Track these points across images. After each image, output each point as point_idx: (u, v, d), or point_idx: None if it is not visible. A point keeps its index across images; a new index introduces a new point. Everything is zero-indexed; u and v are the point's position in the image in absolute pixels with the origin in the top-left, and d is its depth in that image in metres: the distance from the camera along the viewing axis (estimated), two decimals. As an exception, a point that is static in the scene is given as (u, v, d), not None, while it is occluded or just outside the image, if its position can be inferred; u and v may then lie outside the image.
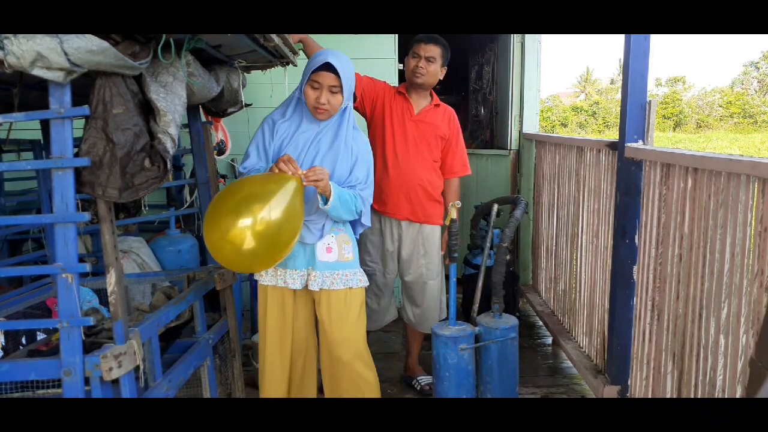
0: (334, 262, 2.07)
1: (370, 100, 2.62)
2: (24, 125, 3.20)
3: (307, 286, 2.08)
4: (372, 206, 2.25)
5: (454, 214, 2.42)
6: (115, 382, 1.49)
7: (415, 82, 2.59)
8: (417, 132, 2.60)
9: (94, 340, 1.81)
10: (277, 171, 1.86)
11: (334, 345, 2.08)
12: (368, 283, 2.17)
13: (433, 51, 2.55)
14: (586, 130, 27.64)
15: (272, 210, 1.74)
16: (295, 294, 2.12)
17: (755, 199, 1.49)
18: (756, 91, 32.53)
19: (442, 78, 2.65)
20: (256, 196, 1.77)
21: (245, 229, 1.70)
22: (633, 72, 2.19)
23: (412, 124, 2.60)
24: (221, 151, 3.33)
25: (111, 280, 1.50)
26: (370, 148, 2.16)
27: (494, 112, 4.78)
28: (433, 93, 2.71)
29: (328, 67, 1.92)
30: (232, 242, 1.71)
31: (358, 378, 2.11)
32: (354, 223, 2.16)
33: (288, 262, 2.06)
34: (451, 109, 2.72)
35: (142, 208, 3.34)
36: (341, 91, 1.96)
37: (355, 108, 2.46)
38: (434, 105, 2.67)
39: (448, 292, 2.53)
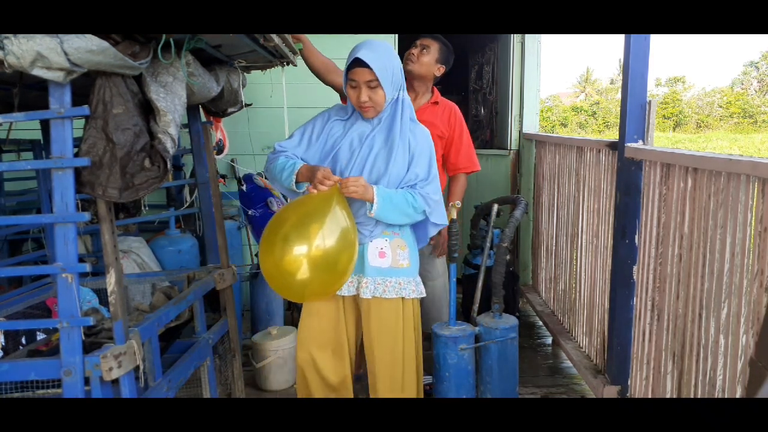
0: (387, 269, 1.93)
1: None
2: (24, 125, 3.20)
3: (358, 294, 1.95)
4: None
5: (453, 214, 2.42)
6: (115, 382, 1.49)
7: (404, 68, 2.59)
8: None
9: (94, 340, 1.81)
10: (315, 192, 1.79)
11: (380, 354, 1.96)
12: (424, 294, 2.02)
13: (429, 42, 2.59)
14: (586, 130, 27.62)
15: (326, 238, 1.75)
16: (344, 301, 1.99)
17: (755, 199, 1.49)
18: (756, 91, 32.54)
19: (438, 75, 2.63)
20: (303, 223, 1.78)
21: (300, 257, 1.73)
22: (633, 72, 2.19)
23: None
24: (219, 151, 3.33)
25: (111, 280, 1.50)
26: (430, 140, 2.01)
27: (494, 112, 4.77)
28: (435, 90, 2.70)
29: (360, 62, 1.81)
30: (289, 271, 1.76)
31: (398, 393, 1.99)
32: (425, 225, 2.02)
33: None
34: (453, 105, 2.70)
35: (142, 208, 3.33)
36: (381, 85, 1.83)
37: None
38: (432, 102, 2.65)
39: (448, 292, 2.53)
